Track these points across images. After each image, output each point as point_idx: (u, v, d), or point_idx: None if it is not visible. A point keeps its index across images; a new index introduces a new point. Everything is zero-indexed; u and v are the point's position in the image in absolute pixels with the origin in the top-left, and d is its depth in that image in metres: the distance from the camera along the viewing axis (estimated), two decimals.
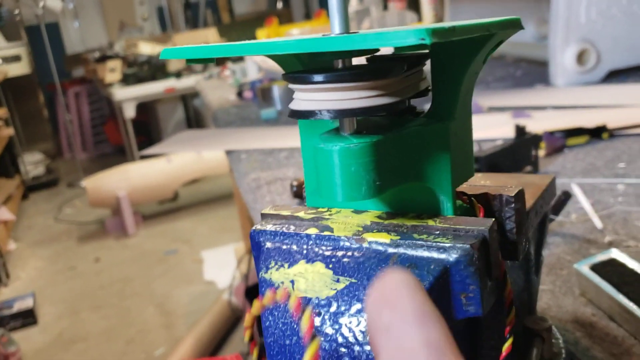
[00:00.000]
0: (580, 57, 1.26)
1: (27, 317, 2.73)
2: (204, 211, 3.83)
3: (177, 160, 3.70)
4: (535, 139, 0.80)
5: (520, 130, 0.79)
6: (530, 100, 1.18)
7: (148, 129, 5.30)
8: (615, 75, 1.29)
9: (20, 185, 4.45)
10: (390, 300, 0.21)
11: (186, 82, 4.29)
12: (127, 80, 4.27)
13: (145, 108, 4.83)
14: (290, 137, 1.19)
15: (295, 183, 0.83)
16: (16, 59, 4.55)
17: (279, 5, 6.20)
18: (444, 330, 0.20)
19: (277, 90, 1.51)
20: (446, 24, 0.25)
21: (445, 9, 2.10)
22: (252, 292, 1.91)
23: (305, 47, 0.24)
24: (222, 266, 3.00)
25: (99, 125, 5.68)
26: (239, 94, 1.72)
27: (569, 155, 0.87)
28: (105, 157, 5.63)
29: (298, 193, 0.82)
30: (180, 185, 3.72)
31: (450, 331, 0.20)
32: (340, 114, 0.25)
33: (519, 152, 0.79)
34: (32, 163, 4.85)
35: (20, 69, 4.61)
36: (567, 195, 0.62)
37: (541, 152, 0.87)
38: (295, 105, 0.27)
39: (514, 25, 0.29)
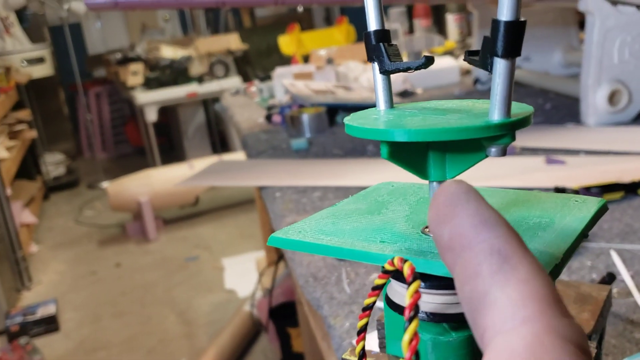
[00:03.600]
0: (612, 98, 1.26)
1: (50, 324, 2.77)
2: (224, 217, 3.86)
3: (199, 166, 3.72)
4: None
5: (559, 192, 0.80)
6: (563, 142, 1.19)
7: (169, 131, 5.34)
8: None
9: (41, 187, 4.50)
10: (446, 217, 0.21)
11: (208, 87, 4.32)
12: (149, 84, 4.31)
13: (166, 110, 4.86)
14: (322, 174, 1.20)
15: None
16: (40, 60, 4.60)
17: (300, 8, 6.20)
18: (504, 232, 0.20)
19: (306, 119, 1.52)
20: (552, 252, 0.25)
21: (473, 29, 2.10)
22: (277, 313, 1.94)
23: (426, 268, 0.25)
24: (243, 274, 3.02)
25: (120, 126, 5.73)
26: (268, 118, 1.73)
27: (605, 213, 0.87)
28: (125, 158, 5.67)
29: None
30: (202, 191, 3.74)
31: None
32: (444, 319, 0.26)
33: None
34: (53, 163, 4.90)
35: (43, 70, 4.65)
36: (611, 277, 0.63)
37: None
38: (394, 296, 0.28)
39: (605, 210, 0.30)
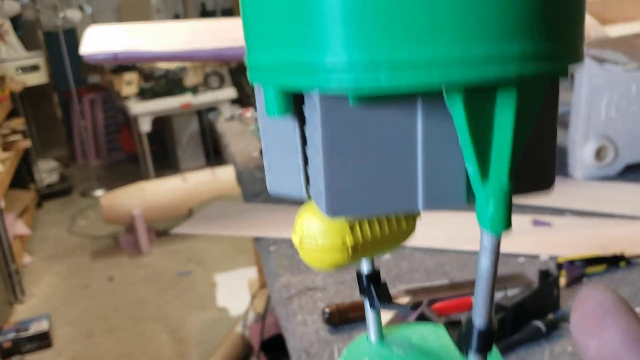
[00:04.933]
0: (599, 153, 1.30)
1: (43, 340, 2.78)
2: None
3: (193, 180, 3.75)
4: (557, 282, 0.84)
5: (544, 275, 0.83)
6: (550, 199, 1.22)
7: (162, 139, 5.35)
8: (632, 170, 1.33)
9: (35, 196, 4.51)
10: (593, 327, 0.19)
11: (203, 98, 4.34)
12: (143, 94, 4.32)
13: (161, 118, 4.88)
14: None
15: (327, 310, 0.87)
16: (34, 68, 4.60)
17: None
18: None
19: None
20: None
21: None
22: (268, 344, 1.97)
23: None
24: (235, 291, 3.05)
25: (113, 133, 5.74)
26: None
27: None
28: (119, 165, 5.69)
29: (330, 320, 0.87)
30: (195, 203, 3.76)
31: None
32: None
33: (543, 295, 0.83)
34: (47, 171, 4.90)
35: (38, 78, 4.66)
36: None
37: (562, 280, 0.91)
38: None
39: None
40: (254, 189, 1.52)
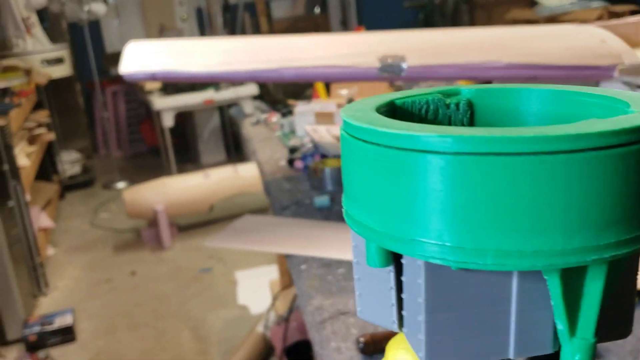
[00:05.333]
0: None
1: (67, 334, 2.83)
2: None
3: (215, 176, 3.79)
4: None
5: None
6: None
7: (184, 132, 5.39)
8: None
9: (58, 187, 4.56)
10: None
11: (225, 94, 4.37)
12: (166, 89, 4.36)
13: (182, 112, 4.91)
14: (344, 244, 1.25)
15: (362, 339, 0.89)
16: (59, 61, 4.64)
17: (317, 10, 6.23)
18: None
19: (328, 173, 1.57)
20: None
21: None
22: (292, 351, 1.99)
23: None
24: (256, 290, 3.08)
25: (135, 125, 5.79)
26: (290, 162, 1.78)
27: None
28: (140, 157, 5.74)
29: (365, 350, 0.89)
30: (216, 200, 3.79)
31: None
32: None
33: None
34: (69, 162, 4.96)
35: (62, 70, 4.70)
36: None
37: None
38: None
39: None
40: (282, 200, 1.54)
